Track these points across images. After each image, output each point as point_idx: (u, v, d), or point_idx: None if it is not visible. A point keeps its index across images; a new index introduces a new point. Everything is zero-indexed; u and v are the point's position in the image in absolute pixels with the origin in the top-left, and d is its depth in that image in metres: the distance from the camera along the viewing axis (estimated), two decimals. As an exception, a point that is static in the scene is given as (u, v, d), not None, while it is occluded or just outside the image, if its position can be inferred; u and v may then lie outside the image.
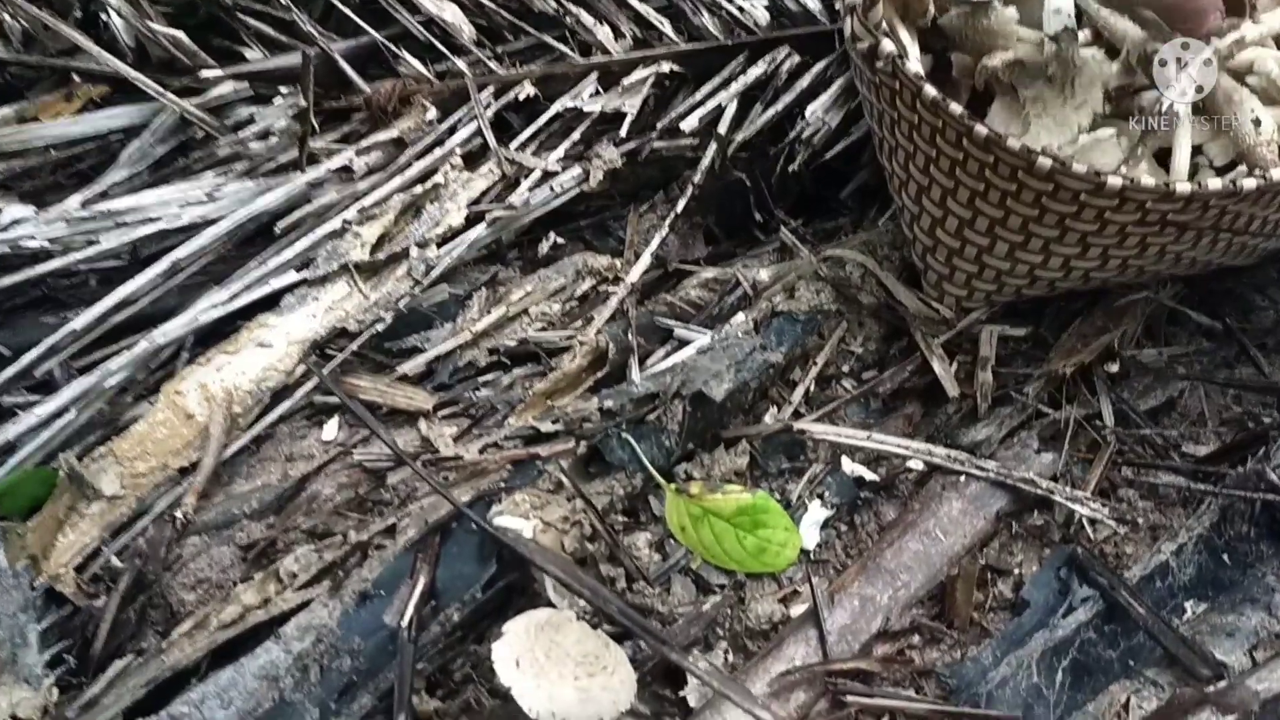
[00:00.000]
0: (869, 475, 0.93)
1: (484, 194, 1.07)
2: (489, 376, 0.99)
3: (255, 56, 1.12)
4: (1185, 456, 0.94)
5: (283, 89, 1.09)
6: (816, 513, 0.90)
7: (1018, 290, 0.98)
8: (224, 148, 1.06)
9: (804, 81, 1.14)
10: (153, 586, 0.84)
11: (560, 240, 1.10)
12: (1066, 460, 0.92)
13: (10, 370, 0.92)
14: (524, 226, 1.09)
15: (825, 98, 1.13)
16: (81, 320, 0.95)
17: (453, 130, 1.09)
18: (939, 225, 0.95)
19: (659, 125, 1.12)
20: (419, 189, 1.05)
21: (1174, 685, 0.77)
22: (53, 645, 0.79)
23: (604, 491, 0.87)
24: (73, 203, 1.01)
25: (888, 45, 0.88)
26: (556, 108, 1.11)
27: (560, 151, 1.09)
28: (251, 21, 1.13)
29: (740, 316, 1.00)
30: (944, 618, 0.84)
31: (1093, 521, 0.88)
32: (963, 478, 0.90)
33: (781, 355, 0.96)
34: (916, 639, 0.82)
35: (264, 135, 1.06)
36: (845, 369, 1.00)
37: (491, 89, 1.12)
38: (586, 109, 1.11)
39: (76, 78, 1.09)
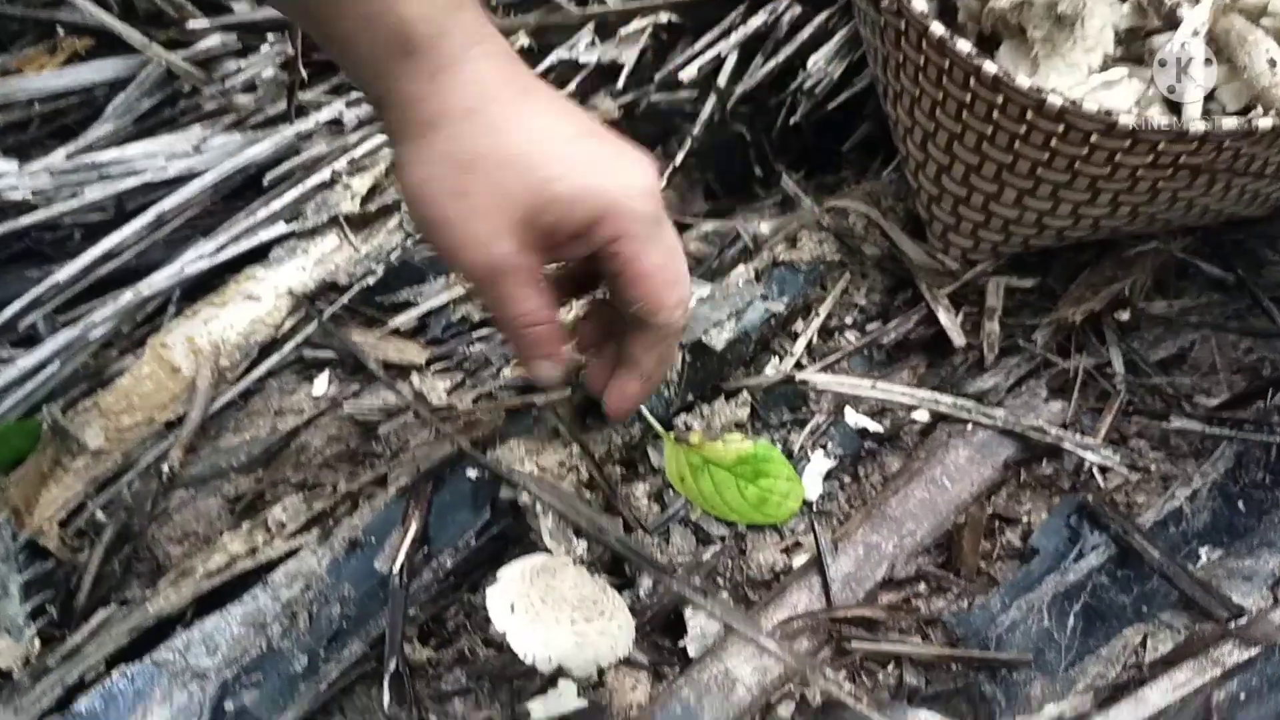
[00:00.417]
0: (873, 426, 0.90)
1: (477, 146, 1.05)
2: (483, 331, 0.97)
3: (242, 9, 1.10)
4: (1197, 406, 0.91)
5: (270, 36, 1.07)
6: (819, 463, 0.87)
7: (1025, 240, 0.95)
8: (211, 100, 1.04)
9: (806, 32, 1.11)
10: (138, 539, 0.82)
11: (557, 194, 1.08)
12: (1075, 410, 0.90)
13: (-7, 323, 0.90)
14: (518, 180, 1.06)
15: (828, 48, 1.10)
16: (65, 272, 0.93)
17: (446, 82, 1.07)
18: (945, 173, 0.93)
19: (657, 77, 1.10)
20: (411, 140, 1.03)
21: (1189, 628, 0.75)
22: (34, 597, 0.78)
23: (601, 441, 0.84)
24: (57, 156, 0.99)
25: (892, -17, 0.85)
26: (552, 58, 1.09)
27: (557, 103, 1.07)
28: (240, -28, 1.11)
29: (741, 268, 0.97)
30: (951, 566, 0.81)
31: (1104, 469, 0.86)
32: (969, 426, 0.88)
33: (783, 305, 0.93)
34: (923, 587, 0.80)
35: (251, 86, 1.04)
36: (848, 320, 0.97)
37: (486, 39, 1.10)
38: (583, 60, 1.09)
39: (61, 30, 1.07)
